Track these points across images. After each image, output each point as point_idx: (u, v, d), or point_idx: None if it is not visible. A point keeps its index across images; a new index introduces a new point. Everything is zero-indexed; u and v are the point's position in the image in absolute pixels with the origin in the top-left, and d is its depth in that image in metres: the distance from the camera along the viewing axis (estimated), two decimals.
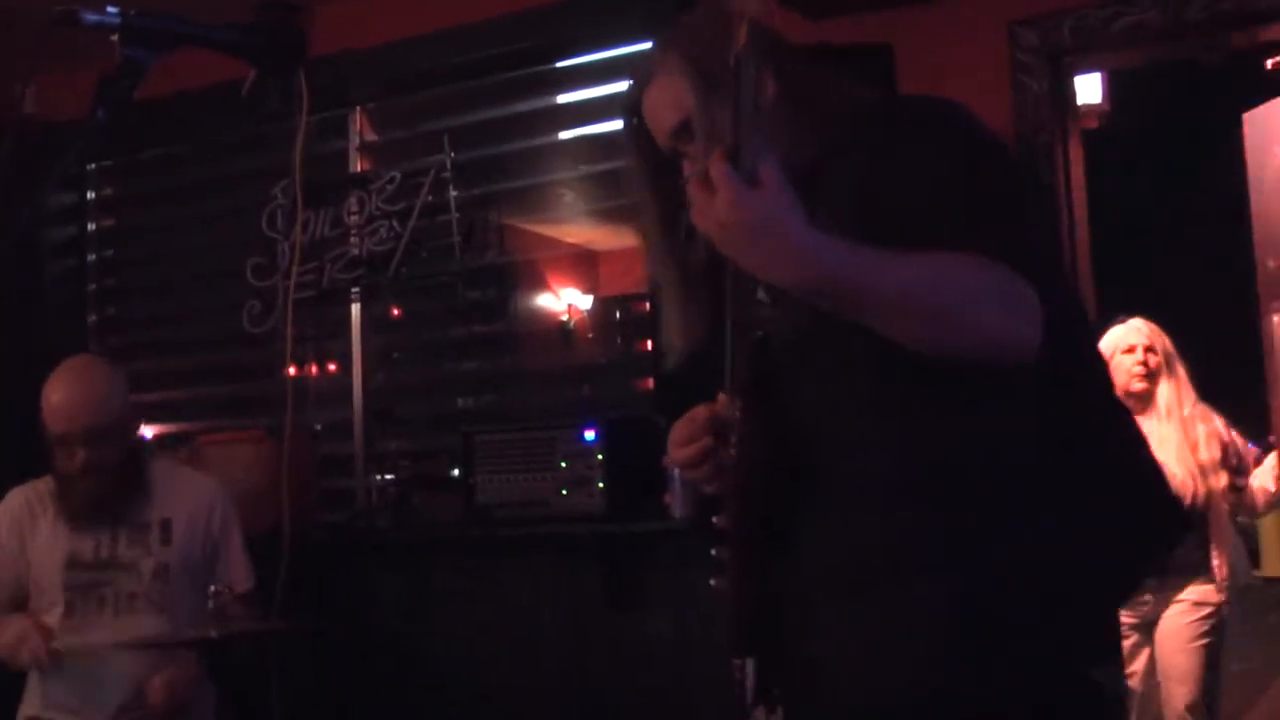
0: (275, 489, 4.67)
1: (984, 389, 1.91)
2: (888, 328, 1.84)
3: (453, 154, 4.94)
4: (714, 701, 3.94)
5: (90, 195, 5.97)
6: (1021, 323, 1.85)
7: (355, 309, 5.17)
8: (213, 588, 3.57)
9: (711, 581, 2.07)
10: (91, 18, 1.68)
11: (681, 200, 1.99)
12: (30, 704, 3.83)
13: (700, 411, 2.14)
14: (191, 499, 3.94)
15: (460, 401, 5.34)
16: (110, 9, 1.68)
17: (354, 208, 5.08)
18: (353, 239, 5.07)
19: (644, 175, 2.21)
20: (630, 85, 2.18)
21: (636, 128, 2.17)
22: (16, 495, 3.93)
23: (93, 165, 5.89)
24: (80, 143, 1.90)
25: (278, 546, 4.49)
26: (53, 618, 3.78)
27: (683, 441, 2.15)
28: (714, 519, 2.06)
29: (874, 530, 1.96)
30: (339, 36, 4.97)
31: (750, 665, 2.02)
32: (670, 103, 2.09)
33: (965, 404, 1.93)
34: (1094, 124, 5.31)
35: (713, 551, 2.05)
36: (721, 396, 2.11)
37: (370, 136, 5.26)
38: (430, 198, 4.93)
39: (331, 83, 4.95)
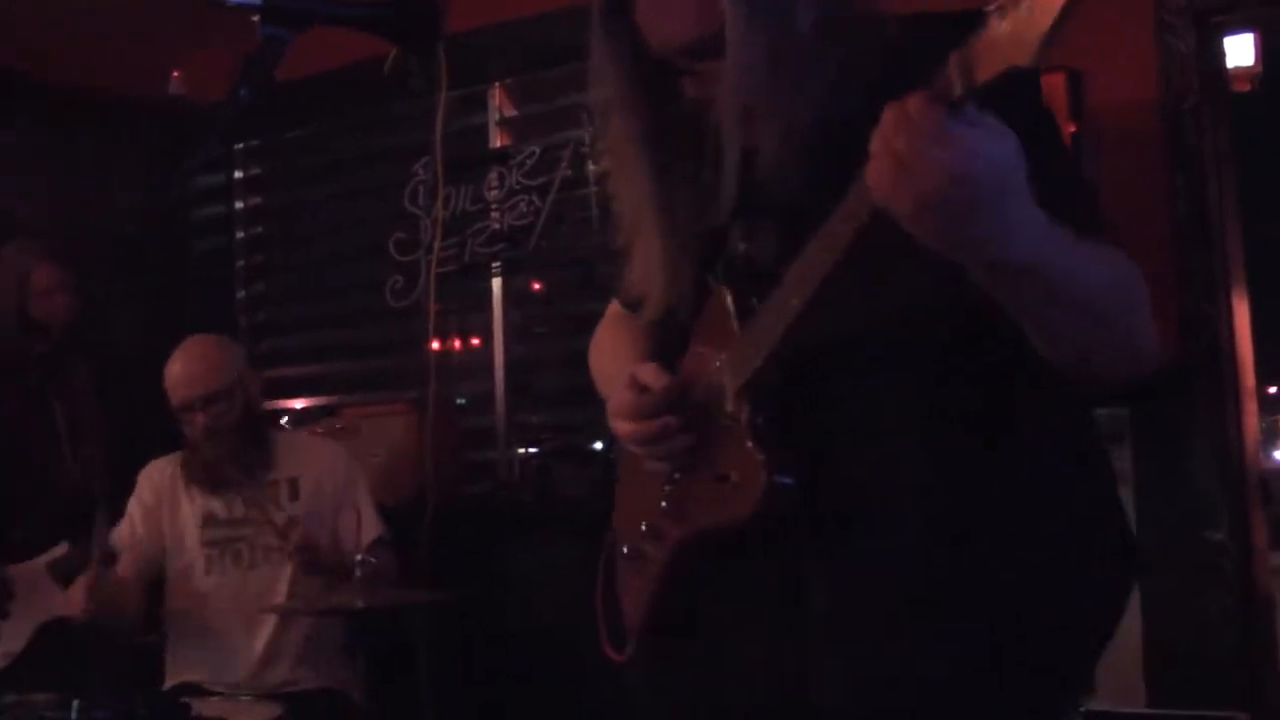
0: (419, 461, 4.70)
1: (1028, 409, 1.77)
2: (1050, 329, 1.60)
3: (591, 128, 4.91)
4: None
5: (237, 175, 6.04)
6: (1155, 331, 1.66)
7: (496, 283, 5.16)
8: (359, 557, 3.60)
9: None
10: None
11: (671, 127, 1.84)
12: (174, 670, 3.93)
13: (650, 374, 1.93)
14: (316, 459, 4.05)
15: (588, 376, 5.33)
16: None
17: (494, 183, 5.07)
18: (493, 214, 5.06)
19: (629, 89, 1.91)
20: None
21: (623, 28, 1.87)
22: (156, 465, 4.09)
23: (239, 145, 5.96)
24: (223, 122, 1.90)
25: (421, 517, 4.52)
26: (194, 575, 3.92)
27: (632, 414, 1.93)
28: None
29: (902, 564, 1.77)
30: (478, 12, 4.96)
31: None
32: (692, 7, 1.76)
33: (1007, 428, 1.77)
34: (1245, 87, 5.11)
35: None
36: (690, 362, 1.94)
37: (509, 112, 5.24)
38: (569, 172, 4.89)
39: (471, 59, 4.94)
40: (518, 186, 4.99)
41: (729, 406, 1.83)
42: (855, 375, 1.78)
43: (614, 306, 2.29)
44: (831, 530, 1.79)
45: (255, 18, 1.70)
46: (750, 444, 1.78)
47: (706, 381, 1.89)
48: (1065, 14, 1.23)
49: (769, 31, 1.68)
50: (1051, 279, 1.52)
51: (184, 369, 3.91)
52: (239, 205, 6.05)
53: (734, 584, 1.93)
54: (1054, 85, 3.80)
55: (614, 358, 2.18)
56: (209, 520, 3.94)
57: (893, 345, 1.76)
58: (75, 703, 2.82)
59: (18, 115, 5.77)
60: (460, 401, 5.27)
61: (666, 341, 2.06)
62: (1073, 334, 1.60)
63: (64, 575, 4.30)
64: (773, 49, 1.66)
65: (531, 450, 5.06)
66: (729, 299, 1.87)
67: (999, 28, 1.29)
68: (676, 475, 1.95)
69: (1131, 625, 3.55)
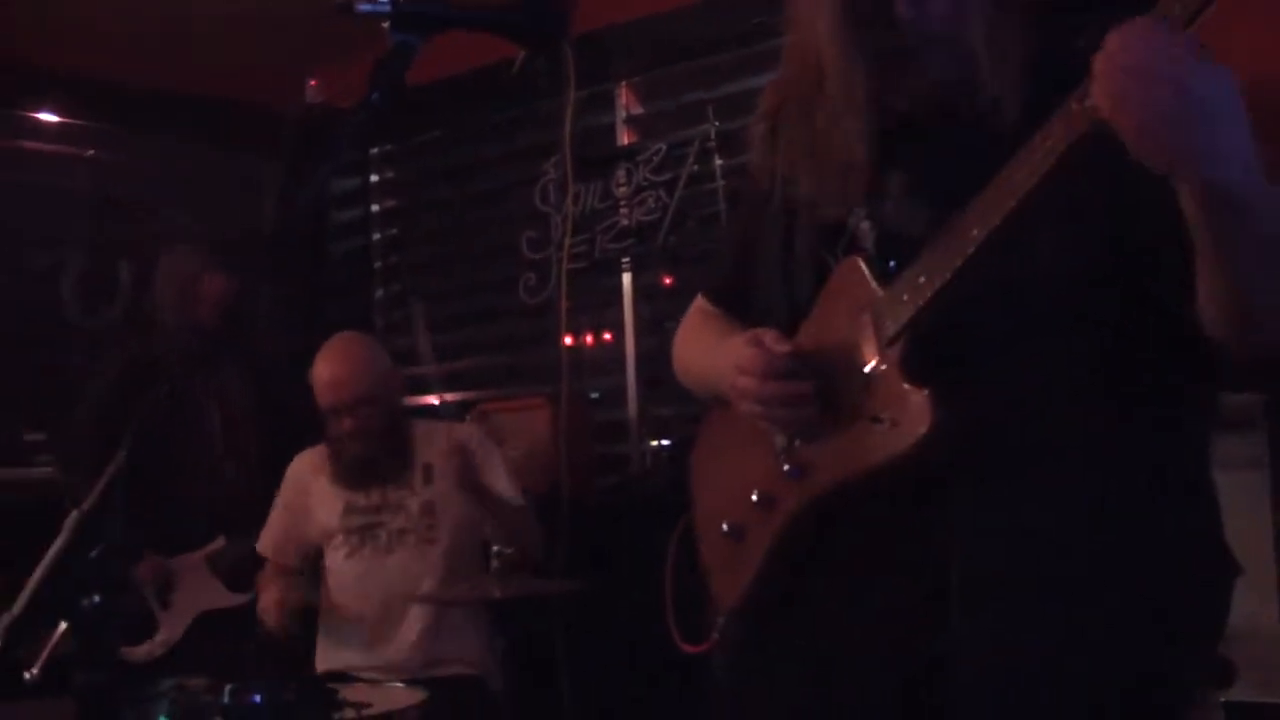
0: (554, 454, 4.76)
1: (1182, 389, 1.78)
2: (1240, 277, 1.60)
3: (717, 124, 4.93)
4: None
5: (373, 178, 6.17)
6: None
7: (626, 278, 5.20)
8: (495, 548, 3.65)
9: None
10: (364, 7, 1.71)
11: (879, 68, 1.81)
12: (323, 657, 4.01)
13: (772, 338, 1.91)
14: (449, 444, 4.07)
15: None
16: None
17: (622, 180, 5.11)
18: (622, 210, 5.10)
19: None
20: None
21: None
22: (301, 459, 4.19)
23: (375, 150, 6.08)
24: (356, 126, 1.94)
25: (556, 509, 4.58)
26: (337, 562, 4.00)
27: (763, 371, 1.90)
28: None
29: (1059, 527, 1.77)
30: (603, 13, 5.01)
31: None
32: None
33: (1165, 405, 1.78)
34: None
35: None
36: (811, 329, 1.94)
37: (636, 110, 5.28)
38: (696, 167, 4.91)
39: (597, 58, 5.00)
40: (645, 183, 5.02)
41: (872, 359, 1.84)
42: (1018, 334, 1.78)
43: (700, 302, 2.29)
44: (984, 487, 1.79)
45: (385, 24, 1.74)
46: (906, 384, 1.78)
47: (837, 342, 1.89)
48: None
49: None
50: (1259, 215, 1.54)
51: (333, 373, 3.98)
52: (375, 208, 6.18)
53: (856, 550, 1.92)
54: None
55: (708, 351, 2.16)
56: (349, 508, 4.02)
57: (1061, 305, 1.76)
58: (227, 688, 2.89)
59: (168, 128, 5.96)
60: (594, 395, 5.32)
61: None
62: (1262, 285, 1.60)
63: (221, 568, 4.46)
64: None
65: (663, 442, 5.09)
66: (863, 265, 1.88)
67: None
68: (796, 442, 1.95)
69: (1273, 614, 3.48)
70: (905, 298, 1.79)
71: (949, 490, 1.80)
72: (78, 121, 5.86)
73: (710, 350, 2.13)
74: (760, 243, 2.08)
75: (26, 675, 1.65)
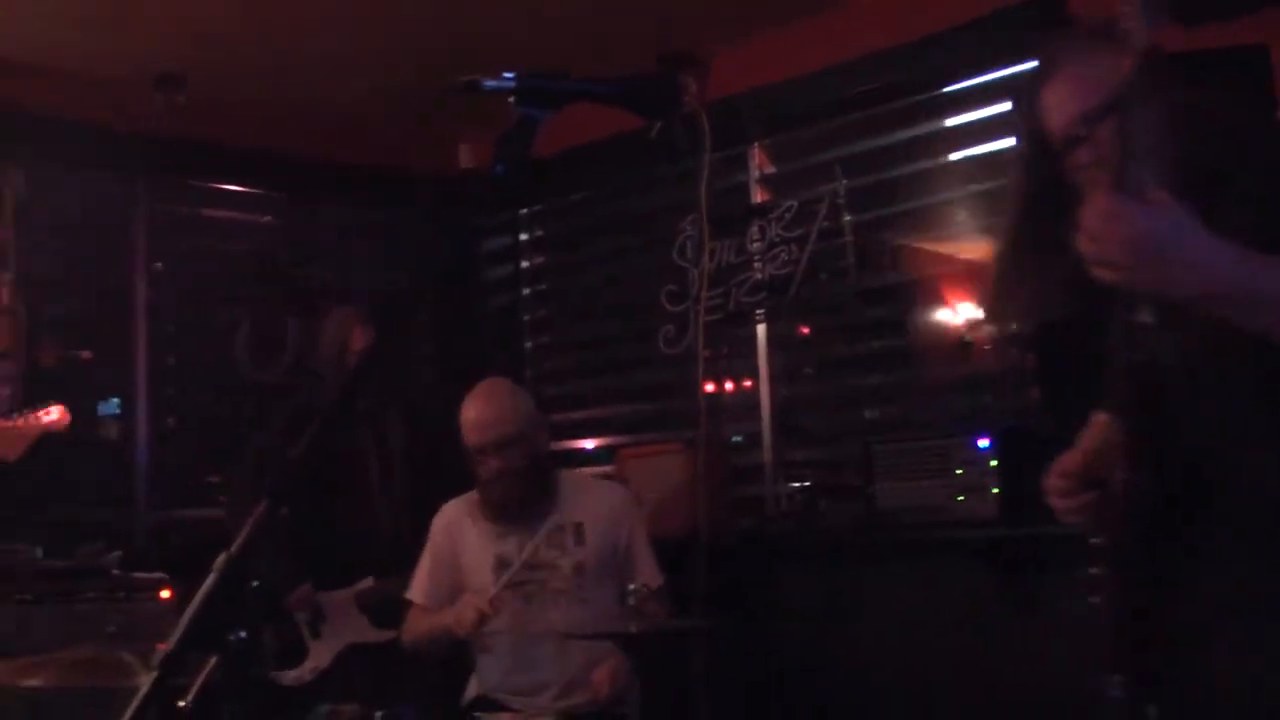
0: (692, 496, 4.78)
1: None
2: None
3: (845, 181, 4.95)
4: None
5: (523, 237, 6.31)
6: None
7: (761, 329, 5.24)
8: (631, 586, 3.64)
9: (1090, 599, 1.99)
10: (490, 84, 1.77)
11: (1057, 183, 2.02)
12: (474, 687, 4.04)
13: (1073, 461, 2.10)
14: (601, 504, 4.10)
15: (864, 413, 5.31)
16: (506, 74, 1.77)
17: (756, 236, 5.16)
18: (756, 264, 5.15)
19: (1026, 155, 2.18)
20: (1031, 77, 2.17)
21: (1029, 113, 2.15)
22: (450, 507, 4.21)
23: (524, 210, 6.21)
24: (484, 195, 1.99)
25: (695, 550, 4.59)
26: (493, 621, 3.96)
27: (1062, 493, 2.12)
28: (1091, 539, 1.98)
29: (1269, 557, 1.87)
30: (736, 79, 5.07)
31: (1124, 683, 1.92)
32: (1071, 95, 2.06)
33: None
34: None
35: (1091, 570, 1.97)
36: (1094, 428, 2.05)
37: (768, 169, 5.34)
38: (826, 223, 4.95)
39: (731, 122, 5.05)
40: (777, 238, 5.06)
41: None
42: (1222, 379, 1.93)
43: None
44: (1207, 526, 1.92)
45: (510, 99, 1.78)
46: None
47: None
48: None
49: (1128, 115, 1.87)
50: (1257, 291, 1.76)
51: (479, 414, 4.02)
52: (525, 264, 6.30)
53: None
54: None
55: None
56: (500, 563, 4.00)
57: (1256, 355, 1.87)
58: (378, 713, 2.94)
59: (330, 197, 6.15)
60: (736, 439, 5.34)
61: None
62: None
63: (369, 606, 4.53)
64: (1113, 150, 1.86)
65: (796, 486, 5.08)
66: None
67: None
68: None
69: None
70: None
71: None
72: (254, 190, 6.08)
73: None
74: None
75: (180, 704, 1.71)
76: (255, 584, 4.56)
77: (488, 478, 4.00)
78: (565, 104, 1.85)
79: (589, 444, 5.84)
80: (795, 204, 5.05)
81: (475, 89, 1.79)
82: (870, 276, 4.99)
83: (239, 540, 1.64)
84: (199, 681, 1.72)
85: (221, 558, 1.64)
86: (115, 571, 4.89)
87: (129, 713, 1.62)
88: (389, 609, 4.39)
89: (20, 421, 3.74)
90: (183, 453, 5.78)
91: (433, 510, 4.26)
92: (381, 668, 4.39)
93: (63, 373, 5.46)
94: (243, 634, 1.83)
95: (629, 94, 1.90)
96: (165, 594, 4.77)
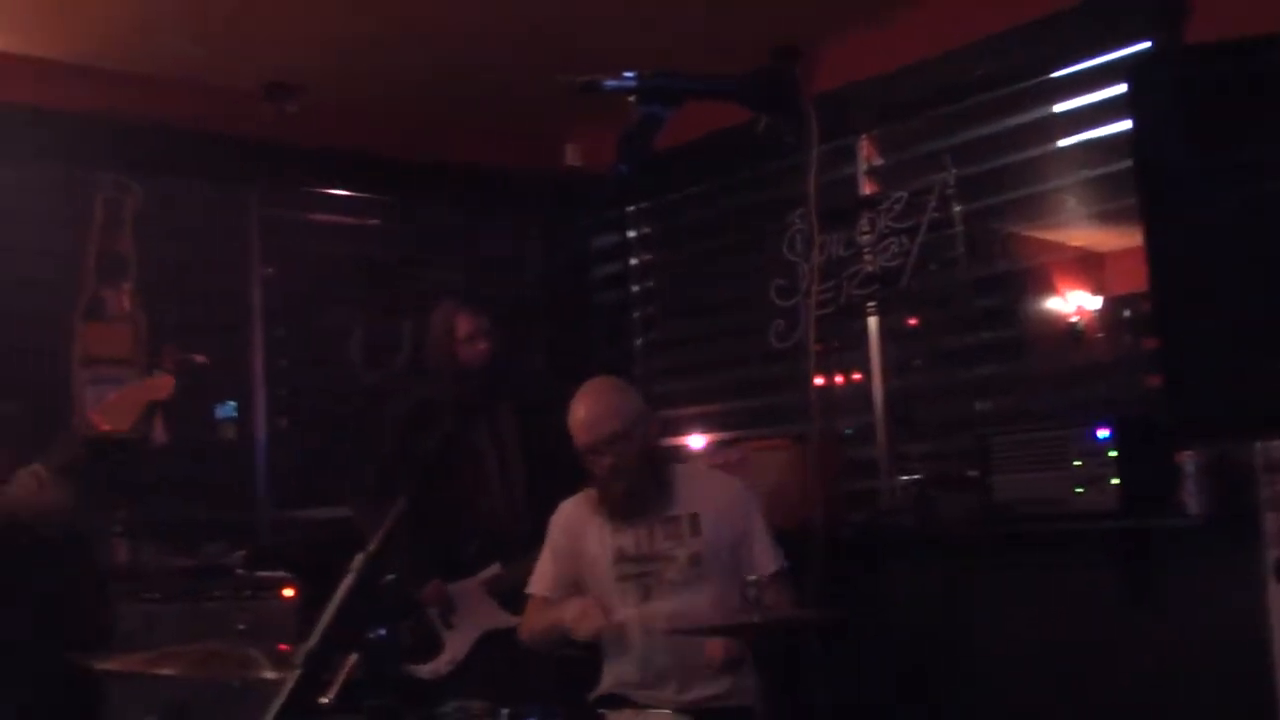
0: (806, 490, 4.76)
1: None
2: None
3: (955, 170, 4.91)
4: (1240, 702, 3.73)
5: (631, 234, 6.33)
6: None
7: (872, 321, 5.22)
8: (749, 578, 3.63)
9: None
10: (610, 84, 1.79)
11: None
12: (602, 685, 4.06)
13: None
14: (716, 495, 4.06)
15: (976, 404, 5.27)
16: (627, 74, 1.79)
17: (865, 228, 5.13)
18: (866, 257, 5.12)
19: None
20: None
21: None
22: (567, 505, 4.19)
23: (632, 208, 6.22)
24: (606, 193, 2.00)
25: (809, 544, 4.56)
26: (610, 600, 3.97)
27: None
28: None
29: None
30: (842, 72, 5.05)
31: None
32: None
33: None
34: None
35: None
36: None
37: (876, 161, 5.31)
38: (936, 213, 4.92)
39: (838, 114, 5.03)
40: (887, 230, 5.04)
41: None
42: None
43: None
44: None
45: (631, 98, 1.80)
46: None
47: None
48: None
49: None
50: None
51: (588, 413, 3.99)
52: (633, 261, 6.32)
53: None
54: None
55: None
56: (620, 556, 3.99)
57: None
58: (504, 711, 2.96)
59: (441, 197, 6.21)
60: (848, 431, 5.32)
61: None
62: None
63: (498, 592, 4.58)
64: None
65: (910, 478, 5.05)
66: None
67: None
68: None
69: None
70: None
71: None
72: (362, 194, 6.17)
73: None
74: None
75: (323, 700, 1.75)
76: (389, 579, 4.65)
77: (602, 475, 3.99)
78: (685, 101, 1.86)
79: (699, 440, 5.84)
80: (905, 195, 5.02)
81: (595, 89, 1.80)
82: (981, 266, 4.95)
83: (375, 540, 1.66)
84: (340, 678, 1.75)
85: (359, 557, 1.68)
86: (239, 571, 5.00)
87: (273, 709, 1.66)
88: (518, 594, 4.43)
89: (129, 392, 3.84)
90: (299, 453, 5.88)
91: (549, 498, 4.29)
92: (517, 656, 4.43)
93: (181, 377, 5.58)
94: (382, 631, 1.86)
95: (747, 89, 1.91)
96: (288, 592, 4.86)
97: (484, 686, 3.88)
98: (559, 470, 4.34)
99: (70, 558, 3.93)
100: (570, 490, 4.23)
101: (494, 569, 4.63)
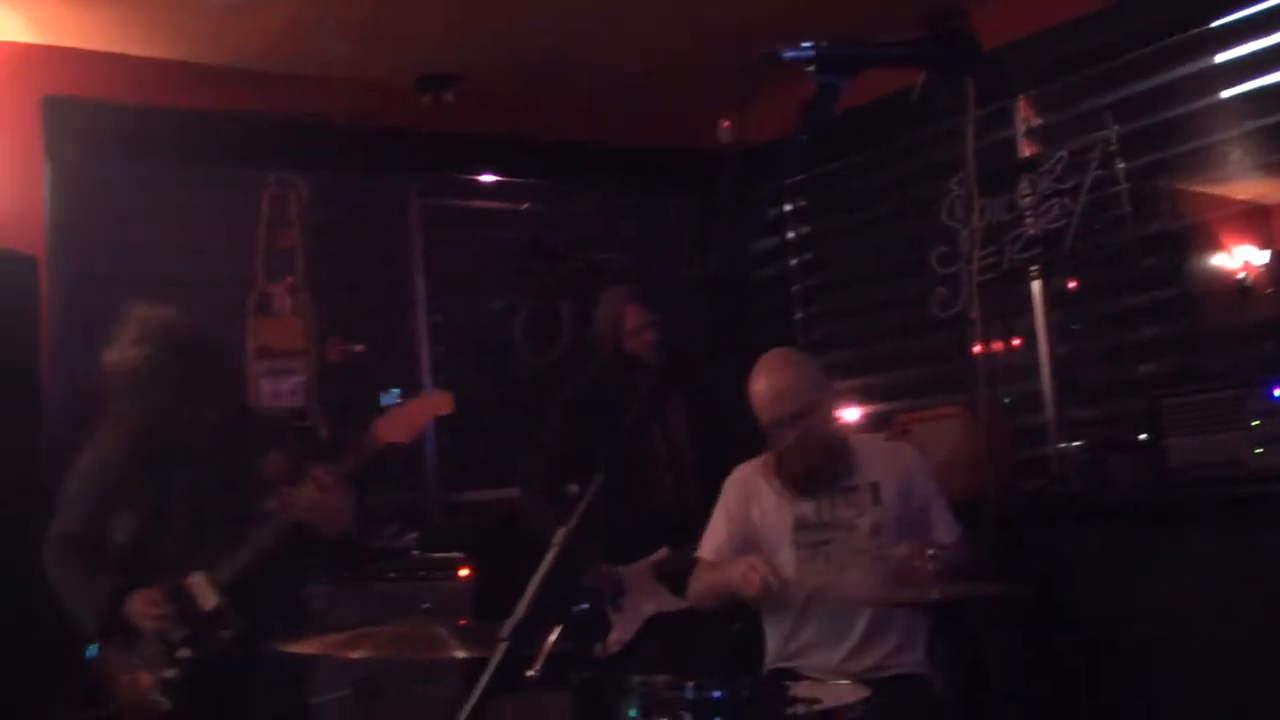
0: (974, 460, 4.71)
1: None
2: None
3: (1116, 127, 4.80)
4: None
5: (787, 207, 6.30)
6: None
7: (1035, 286, 5.13)
8: (931, 550, 3.62)
9: None
10: (789, 54, 1.78)
11: None
12: (771, 648, 4.07)
13: None
14: (894, 465, 4.04)
15: (1143, 366, 5.16)
16: (804, 44, 1.78)
17: (1025, 190, 5.04)
18: (1027, 220, 5.03)
19: None
20: None
21: None
22: (743, 469, 4.19)
23: (787, 181, 6.20)
24: (785, 163, 2.00)
25: (980, 514, 4.51)
26: (786, 568, 3.94)
27: None
28: None
29: None
30: (997, 31, 4.96)
31: None
32: None
33: None
34: None
35: None
36: None
37: (1034, 121, 5.21)
38: (1098, 172, 4.81)
39: (993, 76, 4.94)
40: (1049, 191, 4.94)
41: None
42: None
43: None
44: None
45: (810, 68, 1.79)
46: None
47: None
48: None
49: None
50: None
51: (774, 388, 3.96)
52: (790, 235, 6.29)
53: None
54: None
55: None
56: (800, 524, 3.99)
57: None
58: (690, 684, 2.98)
59: (595, 179, 6.26)
60: (1007, 400, 5.24)
61: None
62: None
63: (667, 575, 4.61)
64: None
65: (1080, 444, 4.97)
66: None
67: None
68: None
69: None
70: None
71: None
72: (517, 179, 6.25)
73: None
74: None
75: (528, 673, 1.78)
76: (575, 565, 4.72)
77: (785, 450, 3.98)
78: (863, 69, 1.84)
79: (863, 411, 5.81)
80: (1065, 155, 4.91)
81: (773, 60, 1.79)
82: (1146, 224, 4.83)
83: (577, 515, 1.69)
84: (545, 649, 1.78)
85: (561, 532, 1.70)
86: (415, 552, 5.11)
87: (482, 681, 1.69)
88: (686, 578, 4.45)
89: (413, 406, 3.97)
90: (467, 436, 5.99)
91: (716, 479, 4.29)
92: (684, 639, 4.46)
93: (347, 367, 5.72)
94: (585, 606, 1.89)
95: (926, 53, 1.88)
96: (464, 572, 4.96)
97: (652, 669, 3.91)
98: (728, 453, 4.34)
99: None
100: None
101: (662, 553, 4.66)
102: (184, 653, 3.67)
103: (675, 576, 4.55)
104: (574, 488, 4.90)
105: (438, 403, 4.03)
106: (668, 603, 4.58)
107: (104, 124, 5.21)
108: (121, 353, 3.81)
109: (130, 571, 3.81)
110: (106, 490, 3.88)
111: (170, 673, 3.71)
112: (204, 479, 3.86)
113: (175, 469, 3.86)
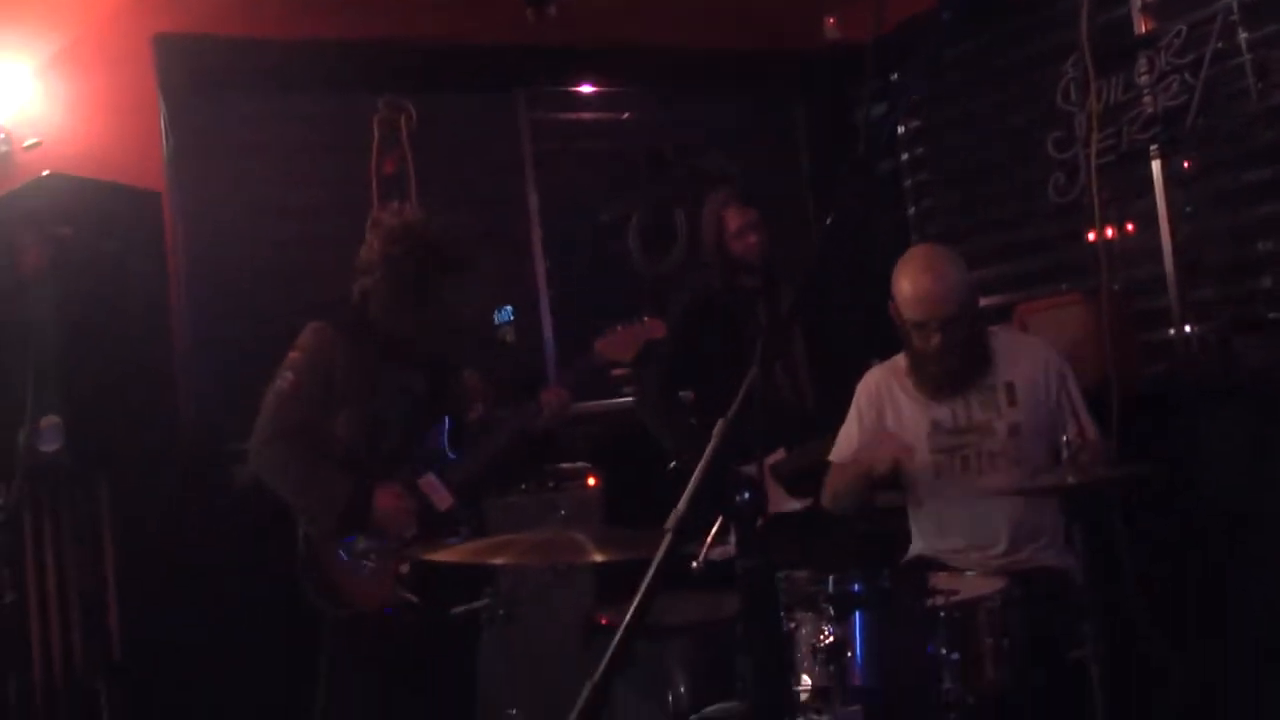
0: (1096, 347, 4.64)
1: None
2: None
3: None
4: None
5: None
6: None
7: (1155, 166, 4.98)
8: (1065, 438, 3.57)
9: None
10: None
11: None
12: (917, 545, 4.06)
13: None
14: (1029, 363, 3.95)
15: (1262, 245, 5.01)
16: None
17: (1143, 68, 4.89)
18: (1145, 99, 4.88)
19: None
20: None
21: None
22: (875, 373, 4.12)
23: (895, 75, 6.09)
24: (931, 43, 1.95)
25: (1104, 401, 4.45)
26: (925, 472, 3.94)
27: None
28: None
29: None
30: None
31: None
32: None
33: None
34: None
35: None
36: None
37: None
38: (1220, 44, 4.64)
39: None
40: (1168, 67, 4.79)
41: None
42: None
43: None
44: None
45: None
46: None
47: None
48: None
49: None
50: None
51: (926, 289, 3.80)
52: (901, 129, 6.19)
53: None
54: None
55: None
56: (936, 428, 3.93)
57: None
58: (831, 577, 3.00)
59: (696, 82, 6.21)
60: (1121, 284, 5.15)
61: None
62: None
63: (783, 476, 4.61)
64: None
65: (1208, 326, 4.86)
66: None
67: None
68: None
69: None
70: None
71: None
72: (624, 89, 6.21)
73: None
74: None
75: (694, 564, 1.81)
76: (673, 465, 4.75)
77: (927, 352, 3.87)
78: None
79: (986, 303, 5.73)
80: (1184, 28, 4.72)
81: None
82: (1272, 96, 4.67)
83: (736, 405, 1.70)
84: (708, 540, 1.80)
85: (720, 424, 1.72)
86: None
87: (651, 571, 1.72)
88: (801, 479, 4.45)
89: (631, 330, 4.23)
90: (583, 347, 6.01)
91: (833, 382, 4.25)
92: (802, 540, 4.48)
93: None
94: (746, 495, 1.91)
95: None
96: (591, 481, 5.02)
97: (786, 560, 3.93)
98: (843, 352, 4.31)
99: None
100: (856, 373, 4.20)
101: (777, 454, 4.65)
102: (416, 549, 3.71)
103: (790, 479, 4.55)
104: (689, 394, 4.92)
105: (652, 327, 4.26)
106: (783, 504, 4.57)
107: (213, 58, 5.27)
108: (367, 250, 3.99)
109: (359, 468, 3.91)
110: (330, 389, 3.94)
111: (404, 568, 3.85)
112: (416, 382, 4.04)
113: (394, 371, 4.01)
